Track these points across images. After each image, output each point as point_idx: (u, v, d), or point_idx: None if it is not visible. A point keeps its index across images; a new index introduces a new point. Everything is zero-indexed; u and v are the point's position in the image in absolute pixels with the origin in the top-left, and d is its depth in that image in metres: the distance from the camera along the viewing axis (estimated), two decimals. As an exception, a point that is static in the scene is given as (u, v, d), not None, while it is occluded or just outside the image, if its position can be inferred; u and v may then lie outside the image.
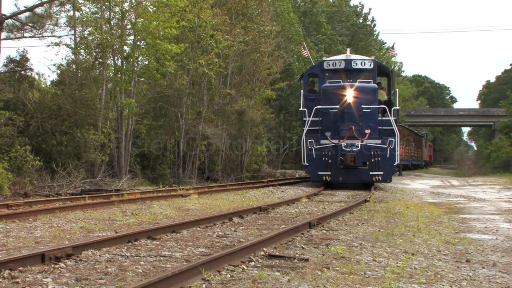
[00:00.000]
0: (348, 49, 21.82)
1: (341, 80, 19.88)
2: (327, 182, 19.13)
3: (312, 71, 21.62)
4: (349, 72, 20.17)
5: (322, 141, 19.04)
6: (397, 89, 21.24)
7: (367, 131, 18.70)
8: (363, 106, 18.91)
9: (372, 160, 18.59)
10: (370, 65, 20.19)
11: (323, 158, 18.85)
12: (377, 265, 6.06)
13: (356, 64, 20.17)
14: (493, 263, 6.75)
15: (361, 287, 5.05)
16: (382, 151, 18.70)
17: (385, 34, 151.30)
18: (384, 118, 19.30)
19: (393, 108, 19.75)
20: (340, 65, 20.28)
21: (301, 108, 20.91)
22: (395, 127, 18.97)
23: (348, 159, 18.42)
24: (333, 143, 18.79)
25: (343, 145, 18.68)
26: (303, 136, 19.42)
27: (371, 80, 19.95)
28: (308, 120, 19.53)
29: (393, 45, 21.03)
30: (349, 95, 18.74)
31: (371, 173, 18.72)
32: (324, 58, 21.41)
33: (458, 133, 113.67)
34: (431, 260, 6.64)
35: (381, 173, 18.74)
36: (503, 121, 54.52)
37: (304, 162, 19.50)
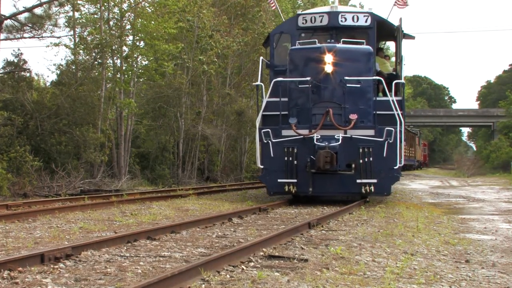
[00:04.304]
0: (336, 0, 15.34)
1: (317, 41, 13.58)
2: (292, 194, 13.14)
3: (281, 29, 14.87)
4: (336, 31, 13.95)
5: (285, 132, 12.97)
6: (403, 55, 14.60)
7: (353, 116, 12.65)
8: (347, 78, 12.76)
9: (361, 161, 12.56)
10: (366, 21, 13.92)
11: (286, 158, 12.75)
12: (377, 266, 6.06)
13: (346, 19, 13.89)
14: (493, 263, 6.75)
15: (361, 287, 5.05)
16: (377, 147, 12.62)
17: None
18: (382, 99, 13.38)
19: (395, 81, 13.46)
20: (321, 21, 14.03)
21: (257, 83, 14.24)
22: (397, 111, 12.78)
23: (322, 159, 12.24)
24: (301, 134, 12.71)
25: (315, 137, 12.57)
26: (257, 125, 13.36)
27: (364, 41, 13.62)
28: (265, 101, 13.59)
29: None
30: (327, 61, 12.70)
31: (358, 181, 12.62)
32: (299, 12, 14.85)
33: (457, 133, 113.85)
34: (431, 261, 6.64)
35: (374, 181, 12.61)
36: (503, 122, 54.54)
37: (258, 164, 13.39)
